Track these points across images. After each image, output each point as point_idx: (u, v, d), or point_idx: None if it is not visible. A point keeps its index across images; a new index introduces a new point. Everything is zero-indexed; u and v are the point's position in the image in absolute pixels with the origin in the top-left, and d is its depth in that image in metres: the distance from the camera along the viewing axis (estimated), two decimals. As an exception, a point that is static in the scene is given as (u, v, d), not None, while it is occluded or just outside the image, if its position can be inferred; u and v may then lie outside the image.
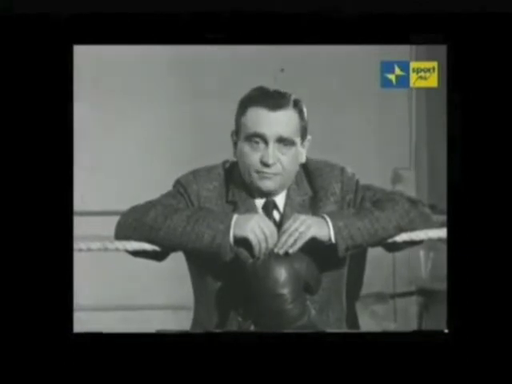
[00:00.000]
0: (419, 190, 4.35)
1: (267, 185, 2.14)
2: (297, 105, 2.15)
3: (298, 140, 2.15)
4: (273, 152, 2.12)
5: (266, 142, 2.12)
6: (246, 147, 2.14)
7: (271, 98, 2.13)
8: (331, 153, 2.36)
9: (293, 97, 2.15)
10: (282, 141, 2.12)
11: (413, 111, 4.37)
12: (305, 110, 2.17)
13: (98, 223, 3.42)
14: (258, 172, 2.13)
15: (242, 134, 2.15)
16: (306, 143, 2.19)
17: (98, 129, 4.14)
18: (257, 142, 2.13)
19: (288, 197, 2.18)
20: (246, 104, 2.15)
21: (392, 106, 4.30)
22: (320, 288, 2.09)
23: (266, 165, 2.12)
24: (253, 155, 2.13)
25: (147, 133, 4.21)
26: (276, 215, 2.17)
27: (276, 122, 2.12)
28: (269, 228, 2.07)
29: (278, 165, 2.13)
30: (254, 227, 2.06)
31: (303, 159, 2.20)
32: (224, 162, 2.23)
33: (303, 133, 2.17)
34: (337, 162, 2.23)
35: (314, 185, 2.20)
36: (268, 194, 2.17)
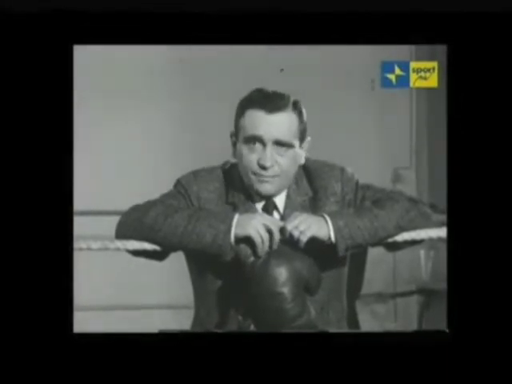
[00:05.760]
0: (419, 189, 4.35)
1: (266, 188, 2.14)
2: (296, 107, 2.14)
3: (296, 142, 2.15)
4: (270, 154, 2.11)
5: (263, 144, 2.12)
6: (244, 149, 2.14)
7: (270, 101, 2.12)
8: (331, 153, 2.36)
9: (292, 98, 2.14)
10: (280, 143, 2.12)
11: (413, 111, 4.37)
12: (304, 111, 2.16)
13: (98, 223, 3.42)
14: (255, 174, 2.13)
15: (240, 136, 2.15)
16: (306, 145, 2.19)
17: (98, 129, 4.14)
18: (254, 144, 2.12)
19: (288, 198, 2.18)
20: (244, 106, 2.14)
21: (392, 106, 4.30)
22: (320, 288, 2.09)
23: (263, 167, 2.12)
24: (250, 157, 2.13)
25: (148, 133, 4.21)
26: (276, 216, 2.17)
27: (274, 124, 2.11)
28: (274, 223, 2.07)
29: (276, 167, 2.13)
30: (256, 226, 2.05)
31: (302, 161, 2.19)
32: (224, 163, 2.23)
33: (302, 135, 2.16)
34: (337, 162, 2.23)
35: (313, 185, 2.20)
36: (267, 197, 2.17)
